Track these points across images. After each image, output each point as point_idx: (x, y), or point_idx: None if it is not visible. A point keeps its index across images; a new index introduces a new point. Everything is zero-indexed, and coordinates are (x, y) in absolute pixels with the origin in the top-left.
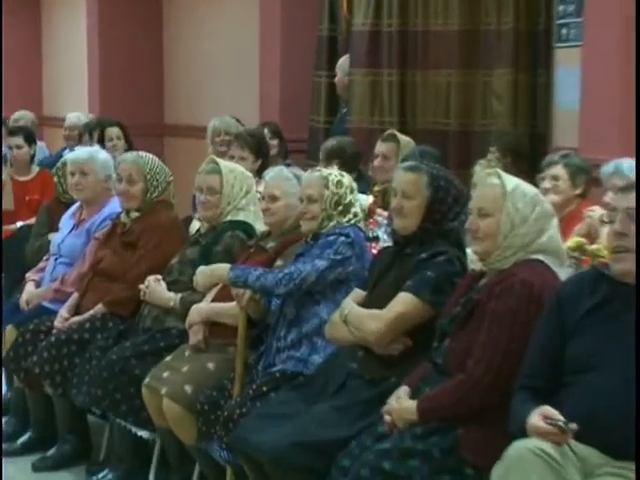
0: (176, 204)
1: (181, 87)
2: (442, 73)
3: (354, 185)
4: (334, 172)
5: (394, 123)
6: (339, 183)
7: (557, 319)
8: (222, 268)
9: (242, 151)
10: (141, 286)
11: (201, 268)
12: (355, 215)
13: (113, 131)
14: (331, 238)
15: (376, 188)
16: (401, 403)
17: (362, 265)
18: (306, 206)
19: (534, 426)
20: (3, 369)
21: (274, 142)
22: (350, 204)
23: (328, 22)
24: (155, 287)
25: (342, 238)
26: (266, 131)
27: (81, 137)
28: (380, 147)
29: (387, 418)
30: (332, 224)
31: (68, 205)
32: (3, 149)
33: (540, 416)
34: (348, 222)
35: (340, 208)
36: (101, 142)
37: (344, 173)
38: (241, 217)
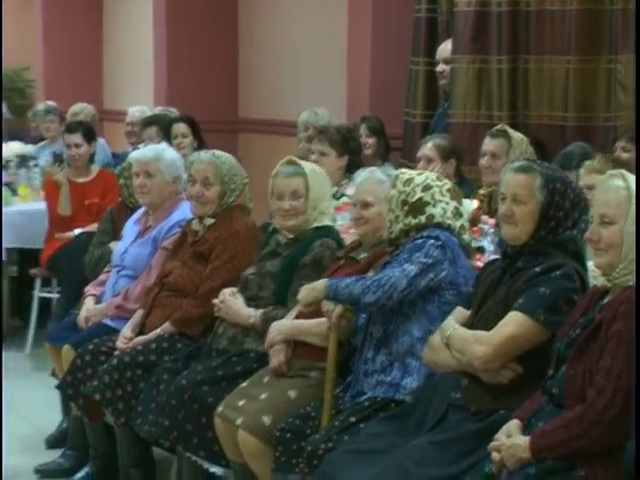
0: (253, 208)
1: (258, 78)
2: (559, 59)
3: (433, 183)
4: (408, 171)
5: (504, 117)
6: (408, 181)
7: None
8: (323, 282)
9: (322, 145)
10: (215, 301)
11: (305, 285)
12: (431, 217)
13: (180, 127)
14: (419, 241)
15: (481, 191)
16: (511, 439)
17: (456, 272)
18: (358, 211)
19: None
20: (60, 395)
21: (370, 140)
22: (421, 203)
23: (427, 1)
24: (232, 302)
25: (431, 241)
26: (363, 128)
27: (140, 133)
28: (488, 144)
29: (495, 456)
30: (399, 227)
31: (135, 211)
32: (59, 147)
33: None
34: (426, 224)
35: (407, 208)
36: (167, 139)
37: (430, 174)
38: (325, 222)
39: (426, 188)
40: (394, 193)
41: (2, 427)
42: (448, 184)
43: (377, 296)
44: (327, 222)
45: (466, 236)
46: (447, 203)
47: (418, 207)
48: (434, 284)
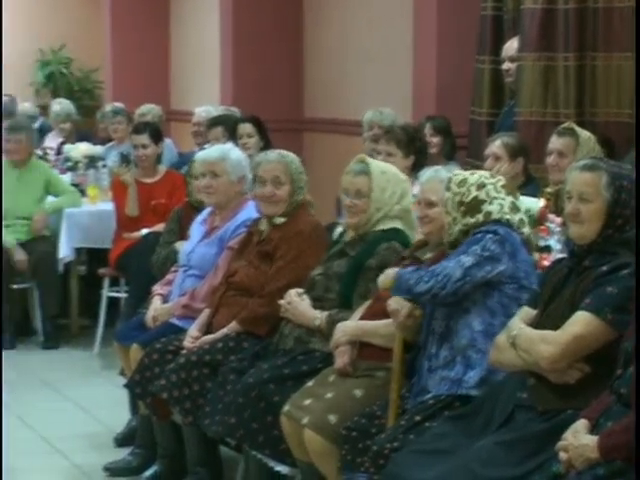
0: (317, 208)
1: (323, 78)
2: (627, 57)
3: (487, 181)
4: (461, 172)
5: (571, 115)
6: (462, 181)
7: None
8: (394, 270)
9: (388, 146)
10: (281, 302)
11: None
12: (488, 214)
13: (245, 127)
14: (478, 236)
15: (548, 190)
16: (579, 439)
17: (516, 266)
18: (423, 210)
19: None
20: (128, 394)
21: (435, 139)
22: (477, 202)
23: None
24: (298, 303)
25: (489, 235)
26: (428, 127)
27: (206, 134)
28: (555, 143)
29: (563, 456)
30: (458, 228)
31: (201, 211)
32: (127, 148)
33: None
34: (484, 222)
35: (463, 209)
36: (233, 139)
37: (483, 173)
38: (393, 225)
39: (480, 186)
40: (449, 195)
41: (2, 427)
42: (502, 180)
43: (429, 285)
44: (396, 225)
45: (526, 230)
46: (503, 199)
47: (474, 206)
48: (492, 278)
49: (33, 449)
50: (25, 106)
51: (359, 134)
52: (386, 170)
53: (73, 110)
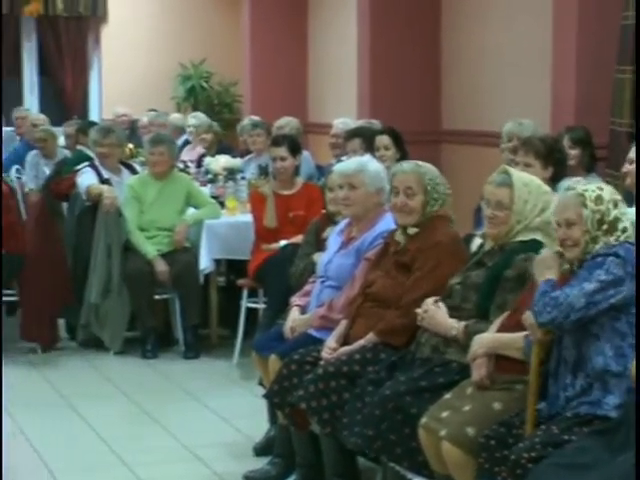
0: (456, 219)
1: (461, 90)
2: None
3: (617, 197)
4: (590, 187)
5: None
6: (598, 199)
7: None
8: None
9: (526, 157)
10: (418, 310)
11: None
12: (624, 231)
13: (382, 139)
14: (599, 259)
15: None
16: None
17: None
18: (565, 231)
19: None
20: (267, 404)
21: (573, 152)
22: (616, 220)
23: (634, 8)
24: (435, 312)
25: (611, 258)
26: (566, 139)
27: (344, 145)
28: None
29: None
30: (598, 247)
31: (338, 222)
32: (265, 160)
33: None
34: (616, 240)
35: (605, 227)
36: (371, 151)
37: (603, 186)
38: (533, 236)
39: (615, 203)
40: (587, 213)
41: (2, 428)
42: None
43: (553, 316)
44: (536, 237)
45: None
46: (627, 215)
47: (614, 224)
48: (617, 302)
49: (175, 457)
50: (175, 117)
51: (497, 145)
52: (529, 182)
53: (213, 122)
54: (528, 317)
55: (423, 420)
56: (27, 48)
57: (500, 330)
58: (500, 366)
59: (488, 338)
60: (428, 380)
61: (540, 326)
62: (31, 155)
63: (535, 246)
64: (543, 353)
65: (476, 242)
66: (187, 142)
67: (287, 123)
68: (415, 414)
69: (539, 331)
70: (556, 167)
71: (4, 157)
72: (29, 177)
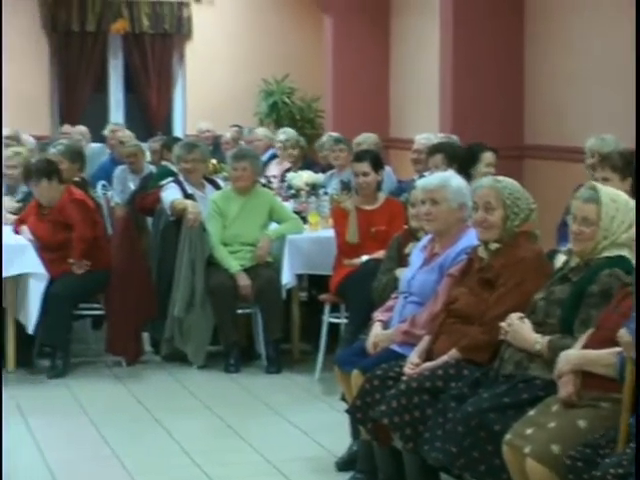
0: (540, 235)
1: (545, 105)
2: None
3: None
4: None
5: None
6: None
7: None
8: None
9: (604, 171)
10: (502, 324)
11: None
12: None
13: (487, 157)
14: None
15: None
16: None
17: None
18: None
19: None
20: (349, 419)
21: None
22: None
23: None
24: (519, 326)
25: None
26: None
27: (426, 161)
28: None
29: None
30: None
31: (420, 238)
32: (347, 176)
33: None
34: None
35: None
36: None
37: None
38: (619, 253)
39: None
40: None
41: (2, 429)
42: None
43: None
44: (622, 253)
45: None
46: None
47: None
48: None
49: (257, 471)
50: (261, 130)
51: (580, 160)
52: (616, 198)
53: (300, 137)
54: (623, 335)
55: (507, 437)
56: (113, 65)
57: (586, 346)
58: (586, 383)
59: (575, 355)
60: (512, 396)
61: None
62: (119, 170)
63: (621, 262)
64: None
65: (560, 258)
66: (274, 156)
67: (364, 140)
68: (499, 431)
69: (634, 349)
70: (635, 179)
71: (92, 172)
72: (116, 192)
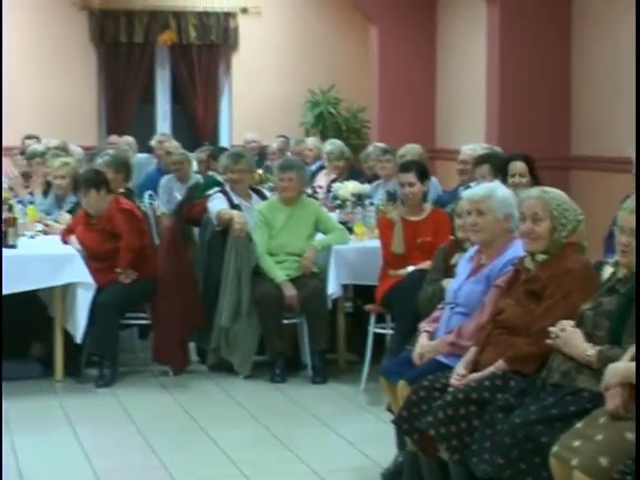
0: (587, 247)
1: (591, 115)
2: None
3: None
4: None
5: None
6: None
7: None
8: None
9: None
10: (554, 329)
11: None
12: None
13: (517, 166)
14: None
15: None
16: None
17: None
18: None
19: None
20: (395, 430)
21: None
22: None
23: None
24: (572, 333)
25: None
26: None
27: (472, 171)
28: None
29: None
30: None
31: (467, 249)
32: (393, 186)
33: None
34: None
35: None
36: (500, 176)
37: None
38: None
39: None
40: None
41: (2, 430)
42: None
43: None
44: None
45: None
46: None
47: None
48: None
49: None
50: (311, 140)
51: (627, 171)
52: None
53: (346, 149)
54: None
55: (554, 449)
56: (160, 76)
57: (634, 359)
58: (634, 395)
59: (622, 367)
60: (559, 408)
61: None
62: (165, 179)
63: None
64: None
65: (607, 270)
66: (322, 167)
67: (408, 151)
68: (546, 443)
69: None
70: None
71: (139, 182)
72: (162, 201)
